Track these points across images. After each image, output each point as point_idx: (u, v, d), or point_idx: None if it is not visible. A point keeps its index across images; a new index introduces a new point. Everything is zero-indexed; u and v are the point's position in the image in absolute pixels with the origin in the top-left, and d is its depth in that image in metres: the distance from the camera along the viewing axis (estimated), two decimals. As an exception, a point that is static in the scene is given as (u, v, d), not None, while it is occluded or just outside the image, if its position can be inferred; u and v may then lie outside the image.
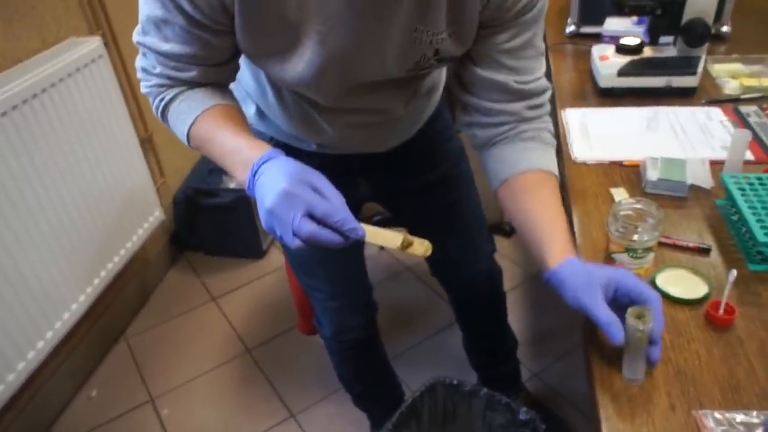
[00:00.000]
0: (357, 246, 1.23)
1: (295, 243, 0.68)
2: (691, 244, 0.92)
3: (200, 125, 0.81)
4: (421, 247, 0.75)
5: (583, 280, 0.73)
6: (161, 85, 0.83)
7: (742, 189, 0.94)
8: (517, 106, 0.87)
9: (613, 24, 1.58)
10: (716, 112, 1.26)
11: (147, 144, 2.07)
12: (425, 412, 1.23)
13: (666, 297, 0.83)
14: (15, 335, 1.44)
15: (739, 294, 0.83)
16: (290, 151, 0.98)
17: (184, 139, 0.85)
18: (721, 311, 0.78)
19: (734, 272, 0.76)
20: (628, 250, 0.82)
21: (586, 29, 1.70)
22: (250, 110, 1.04)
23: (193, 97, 0.83)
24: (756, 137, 1.16)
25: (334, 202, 0.68)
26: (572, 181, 1.10)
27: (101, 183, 1.72)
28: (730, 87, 1.34)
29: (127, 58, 1.88)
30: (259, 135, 1.05)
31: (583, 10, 1.68)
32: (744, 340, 0.76)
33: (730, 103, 1.29)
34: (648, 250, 0.82)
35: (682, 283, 0.85)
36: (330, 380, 1.75)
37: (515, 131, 0.88)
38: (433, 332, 1.90)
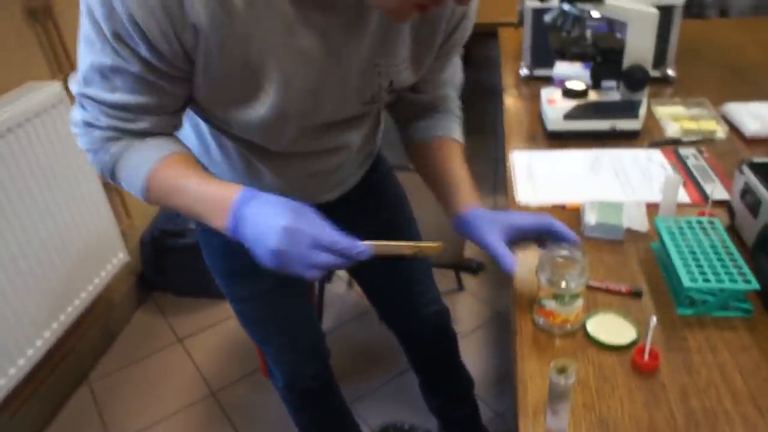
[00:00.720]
0: (303, 295, 1.24)
1: (313, 274, 0.72)
2: (623, 289, 0.94)
3: (159, 175, 0.79)
4: (432, 248, 0.81)
5: (485, 221, 0.88)
6: (108, 138, 0.79)
7: (672, 233, 0.97)
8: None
9: (562, 68, 1.63)
10: (657, 155, 1.30)
11: (111, 186, 2.08)
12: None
13: (595, 343, 0.85)
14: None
15: (666, 339, 0.85)
16: None
17: (139, 194, 0.81)
18: (645, 357, 0.80)
19: (654, 319, 0.78)
20: (556, 296, 0.84)
21: (540, 72, 1.76)
22: (193, 147, 1.01)
23: (146, 146, 0.80)
24: (692, 180, 1.20)
25: (332, 231, 0.72)
26: (515, 225, 1.12)
27: (61, 225, 1.72)
28: (672, 130, 1.38)
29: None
30: None
31: (536, 54, 1.74)
32: (666, 385, 0.78)
33: (671, 146, 1.33)
34: (575, 297, 0.84)
35: (612, 328, 0.87)
36: (293, 425, 1.74)
37: (431, 109, 1.05)
38: (398, 372, 1.90)
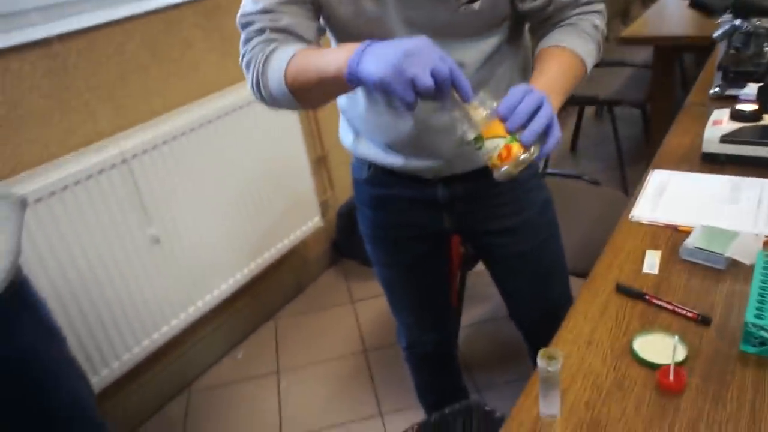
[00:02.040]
0: (438, 274, 1.35)
1: (427, 80, 0.74)
2: (690, 313, 0.91)
3: (298, 57, 0.89)
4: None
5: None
6: (264, 41, 0.93)
7: (767, 270, 0.90)
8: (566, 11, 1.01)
9: (754, 88, 1.49)
10: (824, 191, 1.15)
11: (321, 161, 2.46)
12: (458, 429, 1.33)
13: (635, 357, 0.85)
14: (182, 291, 1.88)
15: (711, 369, 0.82)
16: (385, 172, 1.15)
17: (281, 75, 0.90)
18: (670, 377, 0.79)
19: (676, 338, 0.77)
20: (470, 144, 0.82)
21: (732, 91, 1.61)
22: (349, 138, 1.20)
23: (290, 45, 0.93)
24: None
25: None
26: (615, 237, 1.13)
27: (270, 187, 2.13)
28: None
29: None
30: (359, 163, 1.22)
31: (726, 73, 1.60)
32: (683, 409, 0.76)
33: None
34: (479, 139, 0.80)
35: (661, 348, 0.86)
36: (420, 392, 1.92)
37: (559, 23, 1.01)
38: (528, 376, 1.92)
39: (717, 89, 1.65)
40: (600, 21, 1.02)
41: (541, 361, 0.75)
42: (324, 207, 2.48)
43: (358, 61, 0.79)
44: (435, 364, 1.52)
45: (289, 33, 0.96)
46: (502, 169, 0.80)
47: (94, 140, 1.68)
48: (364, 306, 2.40)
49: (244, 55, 0.97)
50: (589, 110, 3.67)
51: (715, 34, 1.27)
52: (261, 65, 0.93)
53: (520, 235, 1.22)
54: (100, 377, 1.68)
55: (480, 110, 0.79)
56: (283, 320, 2.39)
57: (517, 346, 2.06)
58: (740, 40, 1.25)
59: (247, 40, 0.97)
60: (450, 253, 1.42)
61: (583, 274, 1.81)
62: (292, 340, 2.27)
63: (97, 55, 1.67)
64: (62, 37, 1.58)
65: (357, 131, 1.16)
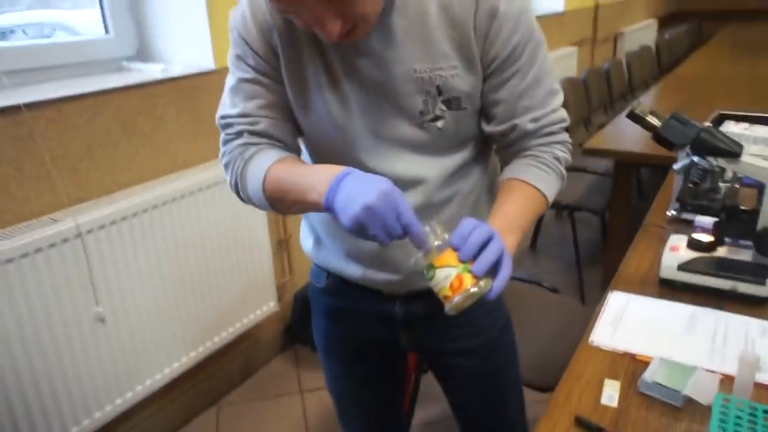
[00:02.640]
0: (393, 387, 1.31)
1: (385, 239, 0.79)
2: (649, 456, 0.89)
3: (276, 168, 0.92)
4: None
5: None
6: (242, 144, 0.96)
7: (725, 414, 0.90)
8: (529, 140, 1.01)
9: (708, 217, 1.55)
10: (775, 329, 1.18)
11: (283, 244, 2.43)
12: None
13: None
14: (121, 374, 1.78)
15: None
16: (343, 283, 1.12)
17: (258, 189, 0.93)
18: None
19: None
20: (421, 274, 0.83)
21: (687, 216, 1.68)
22: (309, 243, 1.17)
23: (268, 152, 0.95)
24: (798, 365, 1.07)
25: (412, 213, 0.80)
26: (575, 362, 1.12)
27: (227, 268, 2.08)
28: (806, 306, 1.24)
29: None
30: (318, 270, 1.18)
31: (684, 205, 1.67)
32: None
33: (798, 323, 1.20)
34: (429, 268, 0.82)
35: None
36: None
37: (521, 153, 1.02)
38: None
39: (674, 212, 1.72)
40: (562, 152, 1.03)
41: None
42: (281, 290, 2.43)
43: (332, 201, 0.82)
44: None
45: (267, 137, 0.97)
46: (453, 301, 0.79)
47: (50, 211, 1.62)
48: (313, 397, 2.31)
49: (223, 155, 0.99)
50: (551, 211, 3.78)
51: (675, 167, 1.32)
52: (240, 170, 0.96)
53: (479, 356, 1.19)
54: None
55: (431, 240, 0.80)
56: (226, 408, 2.27)
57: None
58: (697, 175, 1.30)
59: (226, 141, 0.98)
60: (406, 366, 1.38)
61: (539, 388, 1.80)
62: (234, 429, 2.15)
63: (65, 126, 1.64)
64: (31, 106, 1.56)
65: (317, 236, 1.15)
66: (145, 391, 1.86)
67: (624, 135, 2.86)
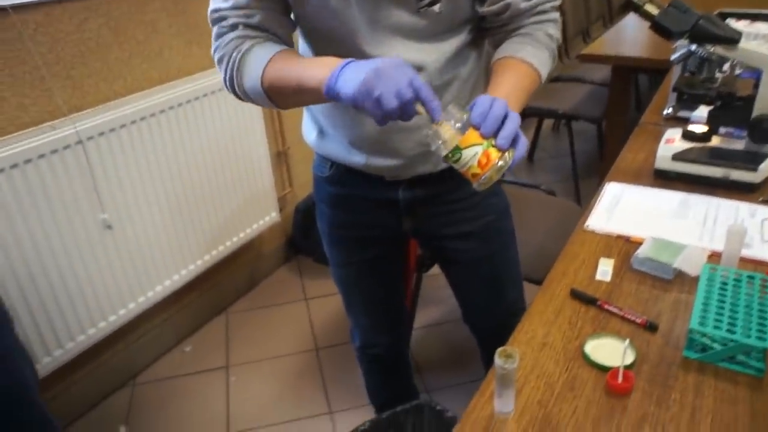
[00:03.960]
0: (393, 277, 1.36)
1: (394, 104, 0.78)
2: (639, 320, 0.95)
3: (277, 63, 0.91)
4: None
5: None
6: (238, 37, 0.94)
7: (713, 281, 0.95)
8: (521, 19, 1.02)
9: (704, 111, 1.56)
10: (765, 212, 1.22)
11: (282, 156, 2.45)
12: (408, 428, 1.34)
13: (586, 360, 0.88)
14: (132, 282, 1.84)
15: (656, 373, 0.85)
16: (347, 171, 1.15)
17: (257, 79, 0.92)
18: (619, 379, 0.82)
19: (627, 341, 0.80)
20: (447, 158, 0.83)
21: (684, 113, 1.69)
22: (312, 135, 1.19)
23: (266, 45, 0.94)
24: (784, 241, 1.11)
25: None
26: (570, 245, 1.16)
27: (228, 180, 2.10)
28: (795, 190, 1.27)
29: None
30: (321, 160, 1.21)
31: (680, 95, 1.67)
32: (629, 410, 0.80)
33: (786, 206, 1.24)
34: (457, 151, 0.81)
35: (610, 351, 0.89)
36: (369, 391, 1.92)
37: (514, 32, 1.03)
38: (479, 378, 1.96)
39: (670, 110, 1.73)
40: (554, 30, 1.05)
41: (498, 359, 0.77)
42: (282, 202, 2.47)
43: (335, 80, 0.82)
44: (387, 366, 1.53)
45: (262, 30, 0.96)
46: (483, 177, 0.81)
47: (48, 119, 1.62)
48: (318, 304, 2.40)
49: (216, 50, 0.98)
50: (547, 123, 3.77)
51: (673, 57, 1.32)
52: (236, 63, 0.94)
53: (478, 240, 1.24)
54: (41, 365, 1.62)
55: (450, 124, 0.81)
56: (234, 315, 2.35)
57: (467, 350, 2.10)
58: (695, 65, 1.31)
59: (220, 35, 0.97)
60: (407, 255, 1.43)
61: (537, 281, 1.86)
62: (243, 335, 2.25)
63: (55, 30, 1.61)
64: (18, 8, 1.52)
65: (321, 128, 1.16)
66: (156, 296, 1.93)
67: (622, 41, 2.81)
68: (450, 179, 1.17)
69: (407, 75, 0.79)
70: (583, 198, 2.97)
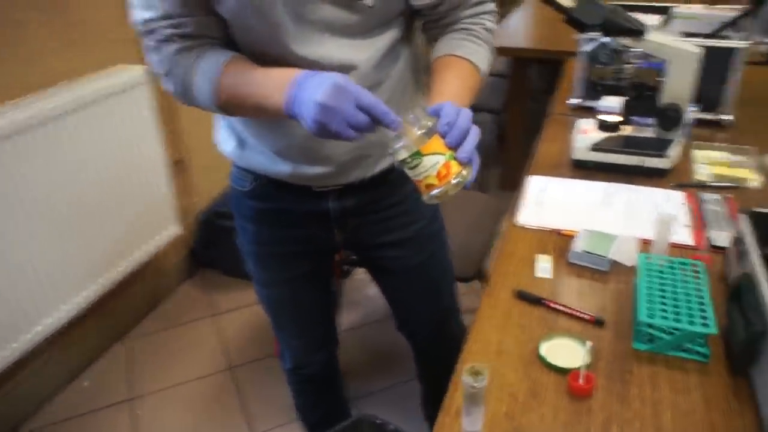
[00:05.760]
0: (323, 289, 1.27)
1: (350, 134, 0.76)
2: (587, 316, 0.93)
3: (226, 73, 0.86)
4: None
5: None
6: (178, 51, 0.87)
7: (650, 270, 0.96)
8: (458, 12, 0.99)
9: (608, 101, 1.61)
10: (678, 196, 1.27)
11: (179, 165, 2.26)
12: (348, 446, 1.26)
13: (543, 362, 0.85)
14: (12, 316, 1.60)
15: (612, 369, 0.84)
16: (271, 183, 1.05)
17: (209, 96, 0.88)
18: (580, 380, 0.80)
19: (589, 343, 0.78)
20: (403, 164, 0.78)
21: (589, 103, 1.74)
22: (229, 145, 1.08)
23: (212, 55, 0.88)
24: (702, 224, 1.16)
25: (372, 96, 0.76)
26: (505, 243, 1.14)
27: (122, 193, 1.90)
28: (701, 173, 1.34)
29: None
30: (241, 173, 1.10)
31: (588, 86, 1.72)
32: (594, 411, 0.78)
33: (697, 189, 1.29)
34: (416, 155, 0.76)
35: (566, 352, 0.87)
36: (293, 408, 1.81)
37: (451, 27, 1.00)
38: (403, 381, 1.92)
39: (575, 101, 1.78)
40: (491, 22, 1.02)
41: (467, 378, 0.72)
42: (183, 213, 2.28)
43: (292, 109, 0.80)
44: (321, 384, 1.43)
45: (199, 38, 0.88)
46: (438, 190, 0.76)
47: None
48: (227, 319, 2.25)
49: (159, 63, 0.89)
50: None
51: (585, 50, 1.35)
52: (185, 78, 0.89)
53: (413, 246, 1.19)
54: None
55: (415, 129, 0.76)
56: (135, 341, 2.15)
57: (388, 352, 2.06)
58: (606, 57, 1.34)
59: (157, 49, 0.88)
60: (334, 267, 1.35)
61: (465, 279, 1.86)
62: (147, 361, 2.05)
63: None
64: None
65: (240, 138, 1.06)
66: (45, 331, 1.70)
67: (514, 33, 2.90)
68: (382, 185, 1.11)
69: (350, 100, 0.75)
70: (486, 189, 3.02)
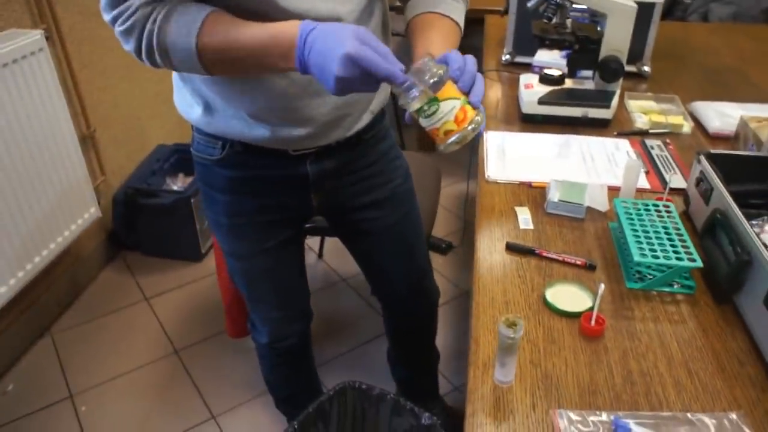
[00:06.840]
0: (299, 256, 1.24)
1: (375, 88, 0.75)
2: (578, 261, 0.98)
3: (210, 29, 0.79)
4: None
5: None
6: (147, 3, 0.79)
7: (629, 213, 1.02)
8: None
9: (543, 56, 1.67)
10: (625, 144, 1.35)
11: (88, 141, 2.07)
12: (334, 414, 1.26)
13: (551, 309, 0.89)
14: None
15: (613, 309, 0.90)
16: (245, 149, 1.00)
17: (189, 55, 0.81)
18: (592, 322, 0.85)
19: (602, 286, 0.83)
20: (418, 112, 0.77)
21: (521, 59, 1.80)
22: (195, 111, 1.01)
23: (188, 8, 0.80)
24: (654, 168, 1.25)
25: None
26: (482, 198, 1.16)
27: (33, 176, 1.71)
28: (641, 122, 1.43)
29: (72, 54, 1.88)
30: (208, 141, 1.03)
31: (518, 42, 1.78)
32: (609, 348, 0.83)
33: (638, 136, 1.39)
34: (433, 102, 0.76)
35: (569, 297, 0.92)
36: (254, 384, 1.78)
37: None
38: (362, 342, 1.94)
39: (508, 57, 1.82)
40: None
41: (504, 329, 0.73)
42: (97, 194, 2.10)
43: (306, 64, 0.76)
44: (297, 357, 1.40)
45: None
46: (457, 135, 0.75)
47: None
48: (160, 302, 2.13)
49: (118, 19, 0.80)
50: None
51: (529, 4, 1.38)
52: (156, 33, 0.80)
53: (389, 206, 1.19)
54: None
55: (426, 76, 0.75)
56: (61, 334, 1.98)
57: (340, 319, 2.06)
58: (551, 11, 1.38)
59: (119, 2, 0.79)
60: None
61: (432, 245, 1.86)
62: (80, 354, 1.90)
63: None
64: None
65: (207, 102, 0.98)
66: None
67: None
68: (357, 145, 1.09)
69: (374, 47, 0.73)
70: (407, 143, 3.04)
